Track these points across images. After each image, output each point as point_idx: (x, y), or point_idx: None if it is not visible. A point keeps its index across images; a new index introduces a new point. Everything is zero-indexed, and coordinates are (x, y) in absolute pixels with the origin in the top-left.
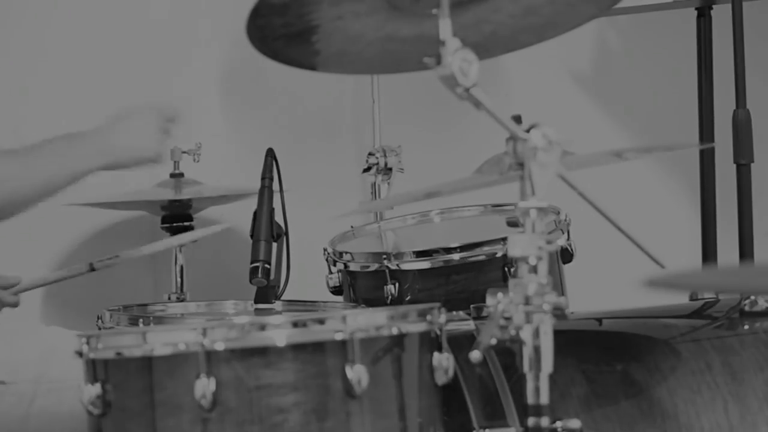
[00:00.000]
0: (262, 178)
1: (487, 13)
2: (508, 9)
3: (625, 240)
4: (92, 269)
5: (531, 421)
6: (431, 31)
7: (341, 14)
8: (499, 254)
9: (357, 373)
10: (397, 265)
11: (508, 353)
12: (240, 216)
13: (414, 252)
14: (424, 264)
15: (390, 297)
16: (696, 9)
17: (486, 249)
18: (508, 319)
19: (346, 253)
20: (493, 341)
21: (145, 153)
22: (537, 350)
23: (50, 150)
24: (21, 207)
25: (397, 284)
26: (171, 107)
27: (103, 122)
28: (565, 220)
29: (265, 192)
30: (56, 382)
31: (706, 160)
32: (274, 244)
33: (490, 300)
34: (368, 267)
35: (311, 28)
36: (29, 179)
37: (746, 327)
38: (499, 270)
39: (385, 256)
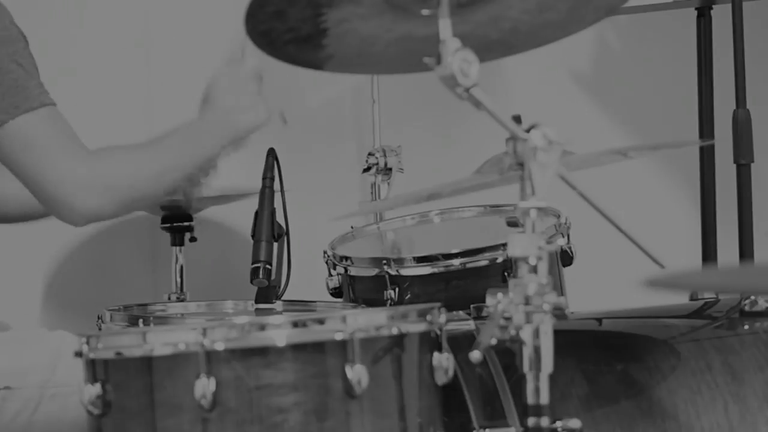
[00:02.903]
0: (264, 178)
1: (500, 10)
2: (520, 6)
3: (625, 240)
4: None
5: (531, 421)
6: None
7: (344, 17)
8: (500, 260)
9: (357, 373)
10: (397, 270)
11: (508, 353)
12: (240, 216)
13: (414, 257)
14: (424, 269)
15: (390, 302)
16: (696, 9)
17: (487, 255)
18: (508, 319)
19: (346, 258)
20: (493, 341)
21: (258, 119)
22: (537, 350)
23: (180, 137)
24: (154, 197)
25: (397, 289)
26: (254, 65)
27: (203, 98)
28: (566, 223)
29: (266, 192)
30: (62, 387)
31: (706, 160)
32: (275, 244)
33: (490, 300)
34: (368, 272)
35: (320, 32)
36: (165, 169)
37: (746, 327)
38: (500, 275)
39: (385, 261)
